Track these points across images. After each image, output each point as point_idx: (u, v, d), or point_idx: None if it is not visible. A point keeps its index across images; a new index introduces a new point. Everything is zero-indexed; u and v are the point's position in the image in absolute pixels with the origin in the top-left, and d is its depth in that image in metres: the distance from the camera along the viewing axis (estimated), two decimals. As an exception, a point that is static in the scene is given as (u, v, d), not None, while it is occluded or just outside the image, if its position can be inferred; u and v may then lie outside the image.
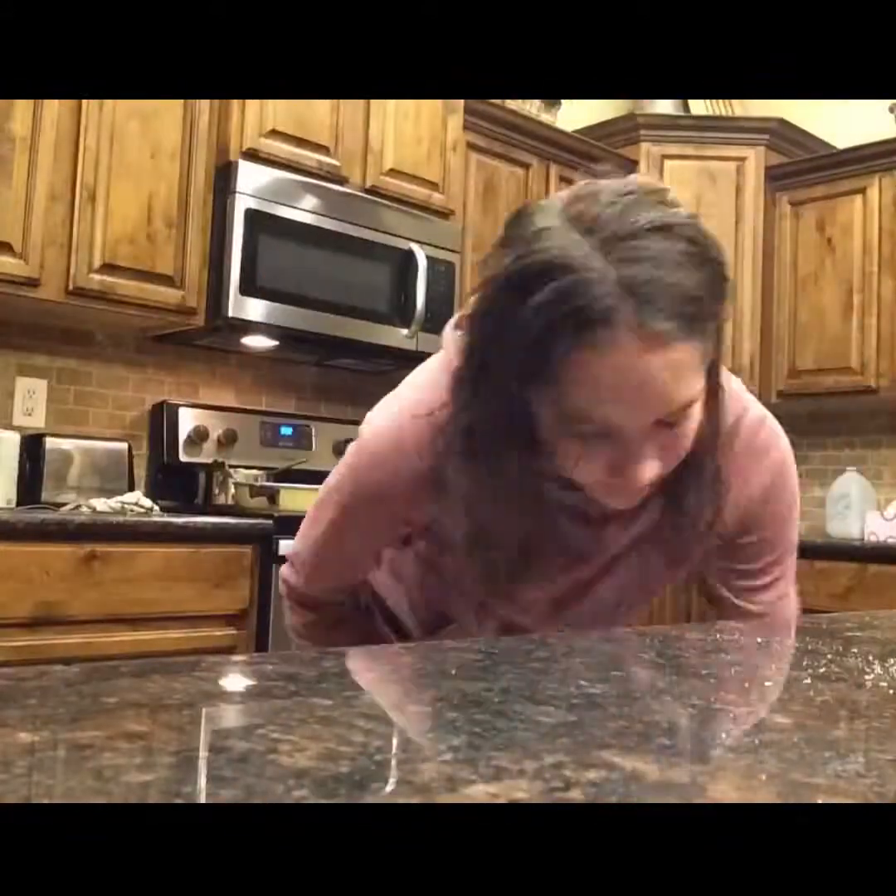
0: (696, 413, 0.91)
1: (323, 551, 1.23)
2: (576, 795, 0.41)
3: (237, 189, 2.99)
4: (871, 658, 0.84)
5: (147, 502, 2.81)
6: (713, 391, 0.95)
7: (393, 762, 0.48)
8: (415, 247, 3.34)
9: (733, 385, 1.07)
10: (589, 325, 0.81)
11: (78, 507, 2.72)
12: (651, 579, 1.17)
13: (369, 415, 1.14)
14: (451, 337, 1.06)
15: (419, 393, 1.09)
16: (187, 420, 3.25)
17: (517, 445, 0.95)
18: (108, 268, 2.81)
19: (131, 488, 3.05)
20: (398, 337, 3.33)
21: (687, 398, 0.87)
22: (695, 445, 0.94)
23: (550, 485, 1.01)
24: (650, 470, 0.90)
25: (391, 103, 3.37)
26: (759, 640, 0.97)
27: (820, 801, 0.42)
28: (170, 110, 2.93)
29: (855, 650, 0.89)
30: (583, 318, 0.81)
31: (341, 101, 3.24)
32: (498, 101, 3.76)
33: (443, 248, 3.45)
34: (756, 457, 1.10)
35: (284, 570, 1.31)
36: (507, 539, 1.03)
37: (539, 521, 1.03)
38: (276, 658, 0.76)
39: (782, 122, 4.26)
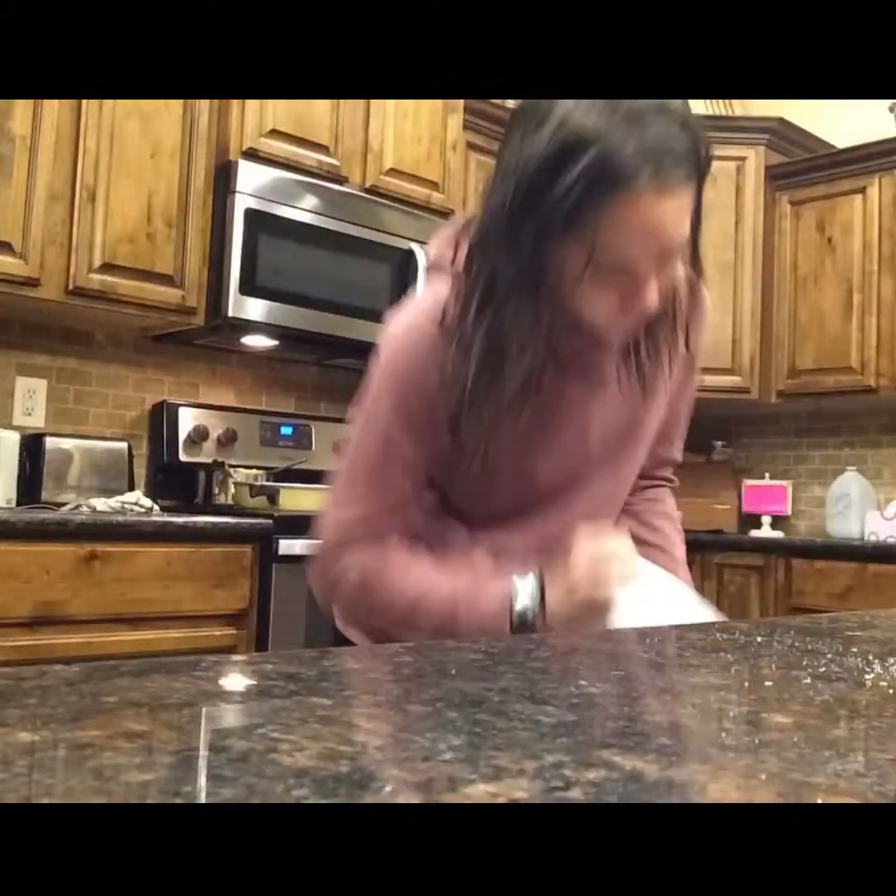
0: (678, 270, 1.18)
1: (377, 474, 1.24)
2: (576, 795, 0.41)
3: (237, 188, 2.99)
4: (871, 657, 0.84)
5: (147, 502, 2.81)
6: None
7: (393, 761, 0.48)
8: (415, 246, 3.34)
9: None
10: (618, 184, 1.02)
11: (78, 506, 2.72)
12: (630, 424, 1.32)
13: (385, 331, 1.26)
14: (445, 235, 1.26)
15: (425, 297, 1.25)
16: (187, 420, 3.25)
17: (534, 296, 1.14)
18: (108, 267, 2.81)
19: (131, 488, 3.05)
20: (398, 336, 3.33)
21: (683, 237, 1.10)
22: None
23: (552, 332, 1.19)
24: (655, 297, 1.11)
25: (391, 103, 3.37)
26: (758, 639, 0.97)
27: (820, 801, 0.42)
28: (169, 110, 2.93)
29: (855, 649, 0.89)
30: (613, 180, 1.02)
31: (341, 100, 3.24)
32: (498, 101, 3.76)
33: (443, 248, 3.45)
34: (695, 310, 1.32)
35: (319, 558, 1.27)
36: (518, 372, 1.18)
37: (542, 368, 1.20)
38: (276, 657, 0.76)
39: (782, 121, 4.26)
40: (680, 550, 1.49)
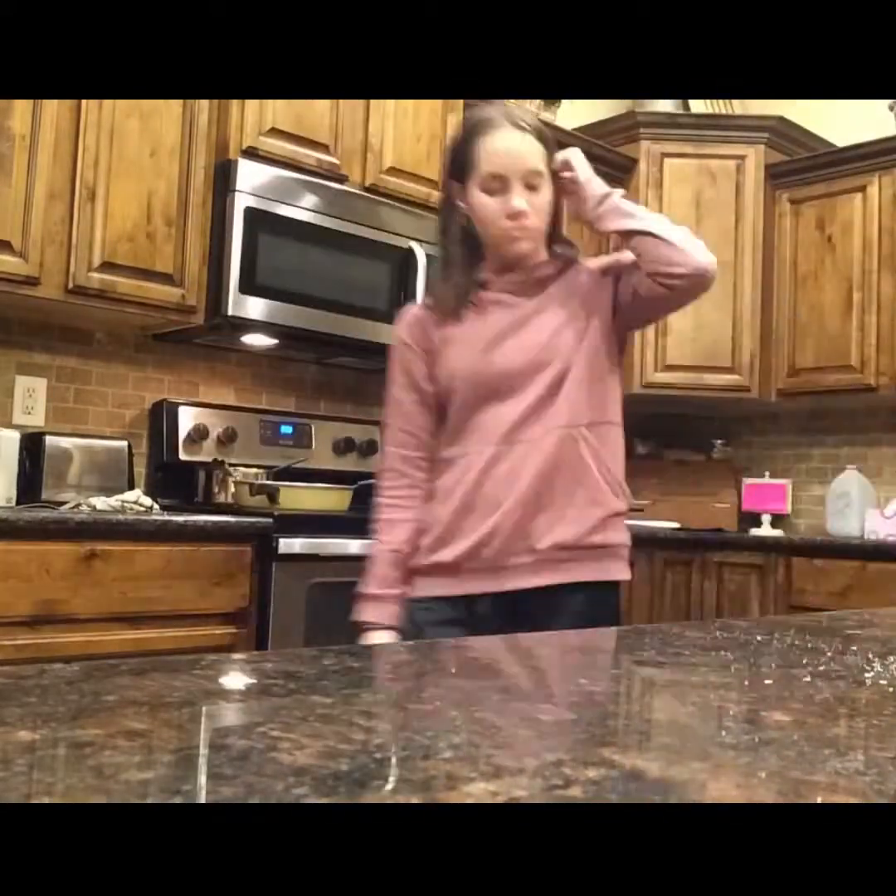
0: (545, 193, 1.75)
1: (388, 420, 1.87)
2: (576, 793, 0.42)
3: (237, 187, 2.99)
4: (870, 656, 0.84)
5: (147, 501, 2.81)
6: (555, 198, 1.78)
7: (393, 760, 0.48)
8: (414, 245, 3.34)
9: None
10: (486, 126, 1.74)
11: (78, 505, 2.72)
12: (556, 329, 1.77)
13: None
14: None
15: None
16: (187, 418, 3.25)
17: (462, 242, 1.81)
18: (108, 266, 2.80)
19: (131, 487, 3.05)
20: (398, 335, 3.33)
21: (535, 166, 1.73)
22: (551, 223, 1.79)
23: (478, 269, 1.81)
24: (522, 203, 1.71)
25: (391, 101, 3.37)
26: (758, 638, 0.97)
27: (820, 799, 0.42)
28: (169, 108, 2.93)
29: (855, 648, 0.89)
30: (484, 125, 1.74)
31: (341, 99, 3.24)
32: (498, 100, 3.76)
33: (442, 247, 3.45)
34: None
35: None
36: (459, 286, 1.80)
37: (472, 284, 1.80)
38: (276, 656, 0.76)
39: (782, 120, 4.26)
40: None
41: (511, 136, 1.71)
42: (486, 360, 1.76)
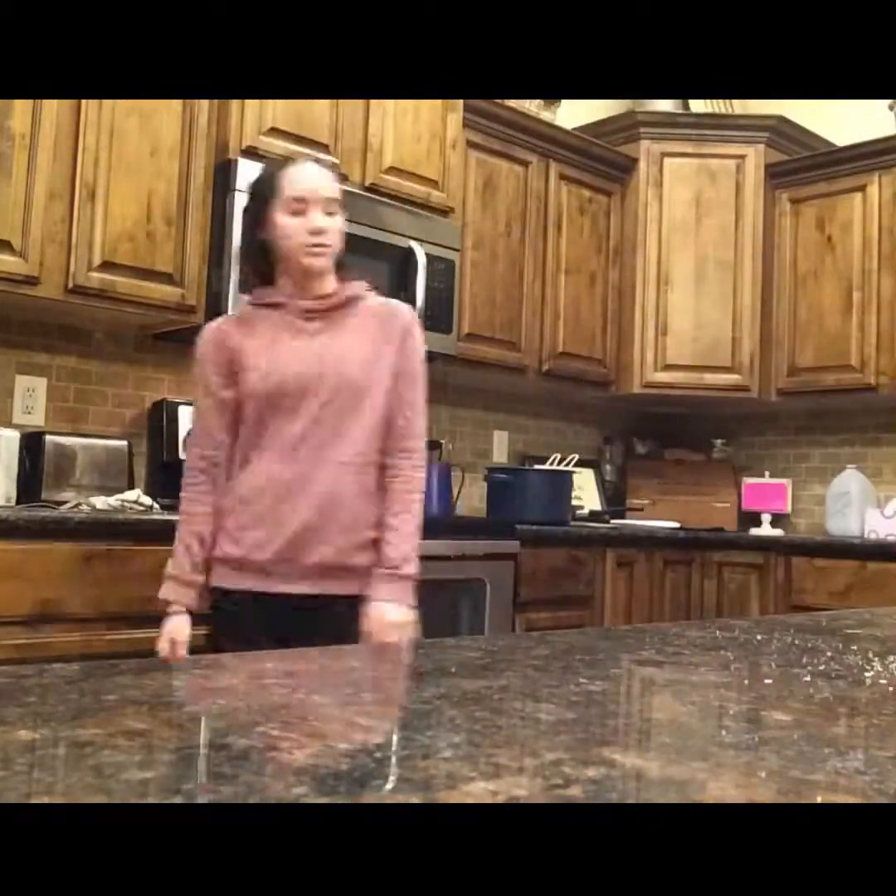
0: (338, 221, 2.02)
1: (195, 426, 2.13)
2: (576, 793, 0.42)
3: (236, 187, 2.98)
4: (870, 655, 0.84)
5: (147, 500, 2.81)
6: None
7: (393, 759, 0.48)
8: (414, 244, 3.34)
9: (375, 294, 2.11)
10: (292, 162, 2.09)
11: (77, 505, 2.72)
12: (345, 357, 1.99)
13: None
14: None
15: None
16: (187, 418, 3.25)
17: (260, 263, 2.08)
18: (108, 266, 2.80)
19: (131, 486, 3.04)
20: (398, 335, 3.33)
21: (332, 195, 2.01)
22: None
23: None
24: (323, 222, 1.99)
25: (390, 101, 3.37)
26: (758, 637, 0.97)
27: (819, 799, 0.42)
28: (169, 108, 2.93)
29: (855, 647, 0.89)
30: (289, 161, 2.11)
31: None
32: (497, 100, 3.76)
33: (442, 246, 3.45)
34: (387, 315, 2.08)
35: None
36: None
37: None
38: (276, 655, 0.76)
39: (782, 119, 4.26)
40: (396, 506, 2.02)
41: (312, 167, 2.04)
42: (273, 375, 1.98)
